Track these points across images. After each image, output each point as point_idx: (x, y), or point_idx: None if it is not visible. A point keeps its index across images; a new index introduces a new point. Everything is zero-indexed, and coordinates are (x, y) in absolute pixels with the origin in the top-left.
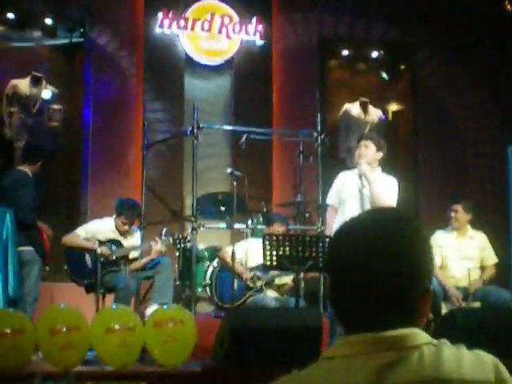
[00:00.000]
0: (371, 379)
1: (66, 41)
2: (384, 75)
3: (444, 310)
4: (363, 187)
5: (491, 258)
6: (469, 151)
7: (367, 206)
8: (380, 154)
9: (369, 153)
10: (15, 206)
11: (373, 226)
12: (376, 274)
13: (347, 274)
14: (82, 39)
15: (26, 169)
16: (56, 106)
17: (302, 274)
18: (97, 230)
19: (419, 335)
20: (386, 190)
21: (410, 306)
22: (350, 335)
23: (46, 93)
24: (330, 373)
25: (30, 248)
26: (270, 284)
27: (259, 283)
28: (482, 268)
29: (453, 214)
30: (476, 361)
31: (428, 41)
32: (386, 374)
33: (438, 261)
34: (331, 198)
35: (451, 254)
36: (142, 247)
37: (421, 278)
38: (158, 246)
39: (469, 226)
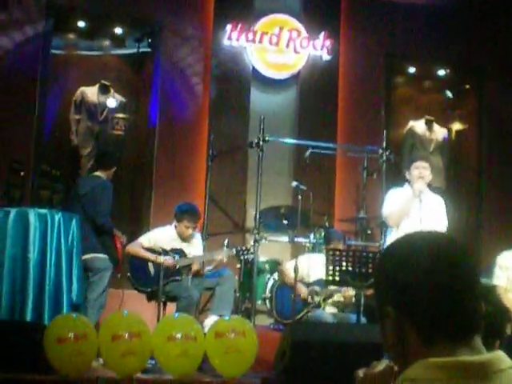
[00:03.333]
0: None
1: (133, 50)
2: (449, 94)
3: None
4: (421, 207)
5: None
6: None
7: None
8: (431, 176)
9: (427, 174)
10: (95, 211)
11: (452, 241)
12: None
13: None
14: (149, 49)
15: (102, 175)
16: (121, 115)
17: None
18: (159, 237)
19: (504, 359)
20: (439, 210)
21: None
22: (431, 358)
23: (112, 101)
24: None
25: (105, 255)
26: (328, 299)
27: (317, 298)
28: None
29: None
30: None
31: (495, 61)
32: None
33: (503, 283)
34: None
35: None
36: (205, 257)
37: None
38: (219, 257)
39: None
